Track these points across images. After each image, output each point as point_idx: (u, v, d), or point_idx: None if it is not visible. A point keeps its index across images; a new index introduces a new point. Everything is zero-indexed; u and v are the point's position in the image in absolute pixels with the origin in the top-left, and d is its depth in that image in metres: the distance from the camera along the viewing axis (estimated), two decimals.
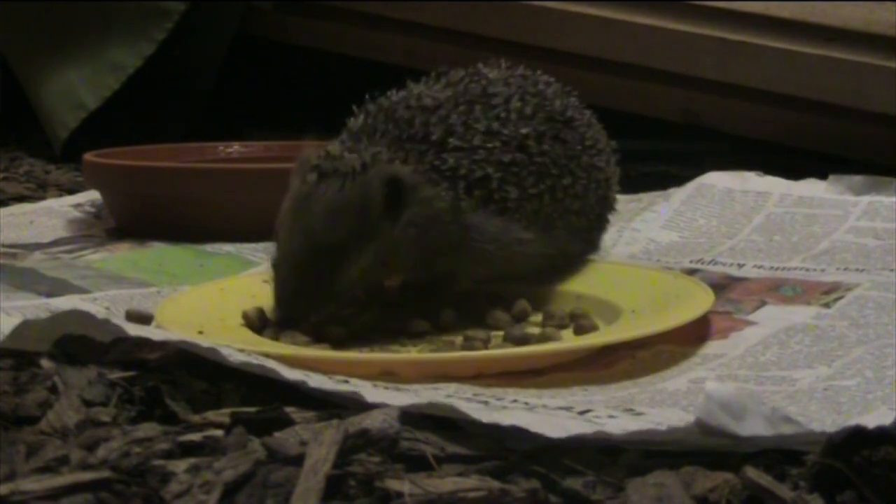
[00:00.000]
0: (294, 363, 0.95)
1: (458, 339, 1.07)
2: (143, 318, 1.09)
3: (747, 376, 0.98)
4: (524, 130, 1.15)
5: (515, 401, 0.90)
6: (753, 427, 0.79)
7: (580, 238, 1.22)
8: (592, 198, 1.21)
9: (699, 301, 1.08)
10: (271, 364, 0.92)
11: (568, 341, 1.07)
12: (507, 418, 0.82)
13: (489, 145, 1.13)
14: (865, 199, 1.43)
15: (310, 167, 1.10)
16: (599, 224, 1.25)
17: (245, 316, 1.10)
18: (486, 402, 0.89)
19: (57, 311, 1.00)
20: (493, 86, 1.17)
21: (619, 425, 0.81)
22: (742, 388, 0.90)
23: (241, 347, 0.96)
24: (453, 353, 1.03)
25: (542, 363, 1.01)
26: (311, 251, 1.07)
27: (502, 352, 1.03)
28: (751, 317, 1.12)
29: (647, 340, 1.04)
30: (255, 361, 0.93)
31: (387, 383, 0.94)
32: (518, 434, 0.81)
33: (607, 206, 1.25)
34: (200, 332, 1.04)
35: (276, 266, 1.09)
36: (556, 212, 1.17)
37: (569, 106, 1.21)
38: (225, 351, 0.93)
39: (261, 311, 1.10)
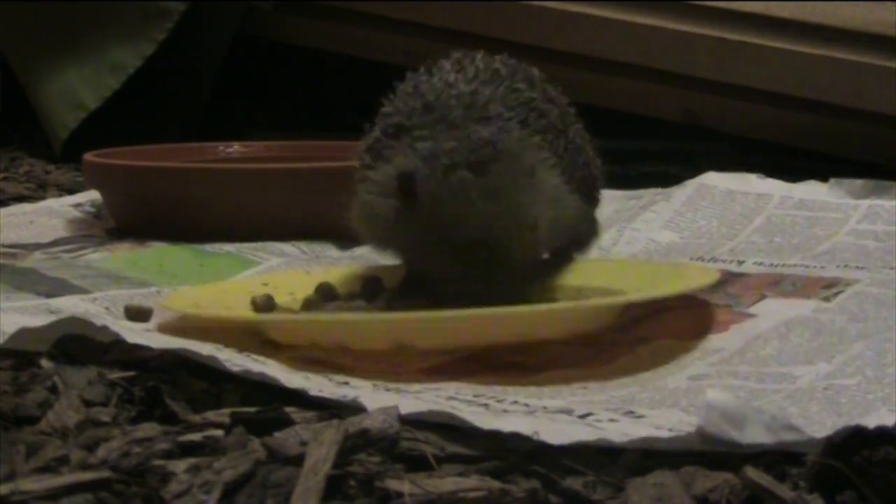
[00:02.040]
0: (298, 329, 0.96)
1: None
2: (143, 313, 1.09)
3: (747, 373, 0.98)
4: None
5: (516, 402, 0.90)
6: (754, 435, 0.80)
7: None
8: (578, 178, 1.19)
9: (705, 273, 1.10)
10: (271, 371, 0.92)
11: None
12: (507, 425, 0.82)
13: None
14: (866, 202, 1.43)
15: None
16: (590, 202, 1.24)
17: (254, 303, 1.10)
18: (486, 405, 0.89)
19: (56, 318, 1.01)
20: (484, 90, 1.15)
21: (621, 430, 0.82)
22: (743, 398, 0.90)
23: (243, 316, 0.99)
24: (480, 310, 1.00)
25: (568, 328, 1.03)
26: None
27: (529, 308, 1.02)
28: (751, 309, 1.12)
29: (645, 334, 1.04)
30: (255, 369, 0.93)
31: (388, 384, 0.94)
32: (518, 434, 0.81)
33: (594, 185, 1.24)
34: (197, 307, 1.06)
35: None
36: None
37: (543, 93, 1.19)
38: (223, 357, 0.93)
39: (269, 298, 1.11)
